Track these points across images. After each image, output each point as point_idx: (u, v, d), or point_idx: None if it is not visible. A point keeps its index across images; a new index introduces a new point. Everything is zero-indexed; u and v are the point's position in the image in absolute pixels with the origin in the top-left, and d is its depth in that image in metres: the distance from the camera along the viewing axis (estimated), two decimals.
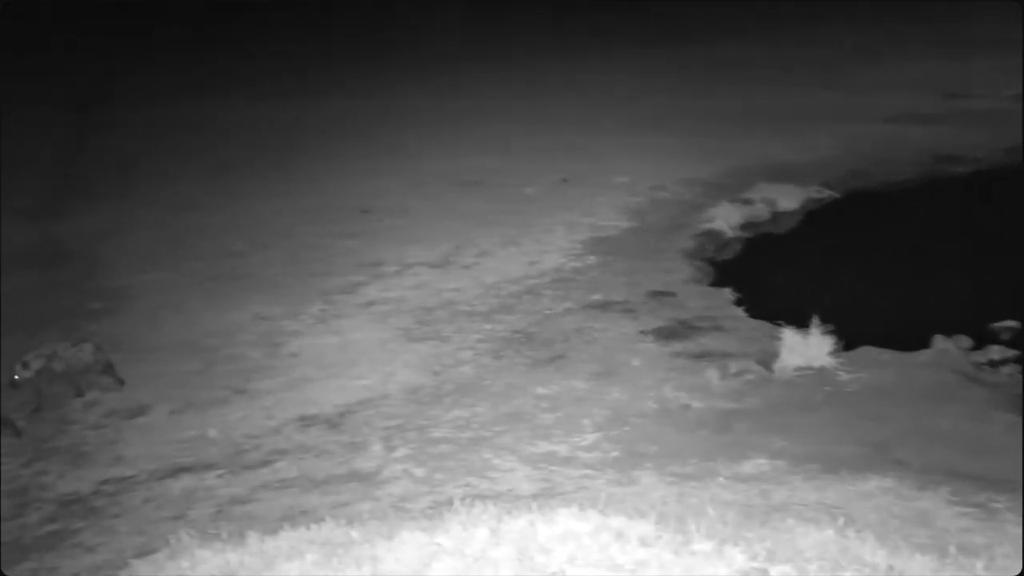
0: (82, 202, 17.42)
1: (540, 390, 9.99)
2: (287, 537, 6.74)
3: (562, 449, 8.83)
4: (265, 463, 8.89)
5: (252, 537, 6.74)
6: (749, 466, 8.32)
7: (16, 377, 9.86)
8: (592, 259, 13.75)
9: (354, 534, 6.73)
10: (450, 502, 7.40)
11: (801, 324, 10.39)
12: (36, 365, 9.95)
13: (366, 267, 13.77)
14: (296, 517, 7.58)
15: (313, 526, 6.95)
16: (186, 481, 8.65)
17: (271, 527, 7.13)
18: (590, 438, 9.01)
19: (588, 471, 8.40)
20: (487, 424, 9.36)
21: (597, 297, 12.37)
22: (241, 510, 8.07)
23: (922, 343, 10.67)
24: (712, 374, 10.05)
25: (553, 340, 11.18)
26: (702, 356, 10.60)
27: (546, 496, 7.68)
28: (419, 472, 8.58)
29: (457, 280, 13.11)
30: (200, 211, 16.56)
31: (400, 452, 8.95)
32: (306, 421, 9.65)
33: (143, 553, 7.16)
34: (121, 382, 10.45)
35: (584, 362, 10.57)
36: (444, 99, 24.86)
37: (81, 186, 18.52)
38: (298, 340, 11.54)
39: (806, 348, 10.20)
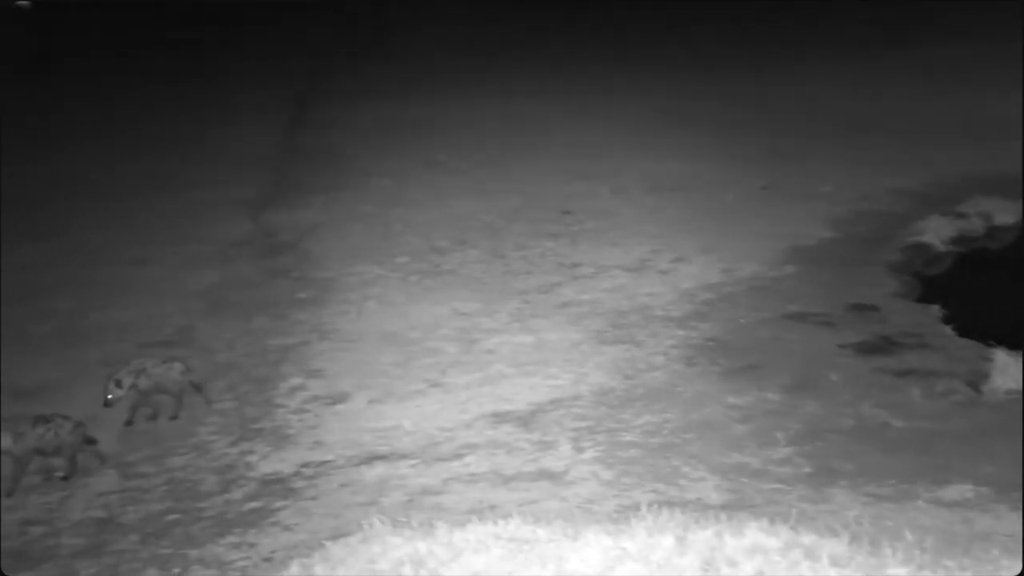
0: (297, 195, 18.17)
1: (732, 400, 9.84)
2: (474, 530, 6.86)
3: (753, 461, 8.67)
4: (457, 456, 9.07)
5: (441, 528, 6.89)
6: (952, 491, 7.97)
7: (109, 396, 9.84)
8: (791, 268, 13.44)
9: (540, 532, 6.80)
10: (637, 507, 7.38)
11: (1015, 345, 9.89)
12: (128, 382, 9.94)
13: (564, 268, 13.88)
14: (484, 511, 7.69)
15: (500, 521, 7.06)
16: (380, 469, 8.92)
17: (459, 519, 7.28)
18: (783, 452, 8.81)
19: (779, 485, 8.23)
20: (677, 431, 9.28)
21: (795, 308, 12.09)
22: (431, 500, 8.26)
23: None
24: (915, 393, 9.68)
25: (748, 349, 10.99)
26: (905, 373, 10.22)
27: (735, 508, 7.56)
28: (607, 475, 8.59)
29: (652, 285, 13.05)
30: (407, 207, 17.01)
31: (589, 454, 8.98)
32: (498, 417, 9.80)
33: (337, 536, 7.41)
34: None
35: (779, 373, 10.35)
36: (635, 101, 24.73)
37: (297, 180, 19.32)
38: (494, 337, 11.72)
39: (1019, 370, 9.70)
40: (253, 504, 8.51)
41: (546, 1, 41.49)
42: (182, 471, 9.16)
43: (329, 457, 9.22)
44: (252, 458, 9.31)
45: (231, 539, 7.98)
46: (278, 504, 8.47)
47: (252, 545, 7.88)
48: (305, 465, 9.11)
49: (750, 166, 18.22)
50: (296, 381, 10.81)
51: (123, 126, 24.65)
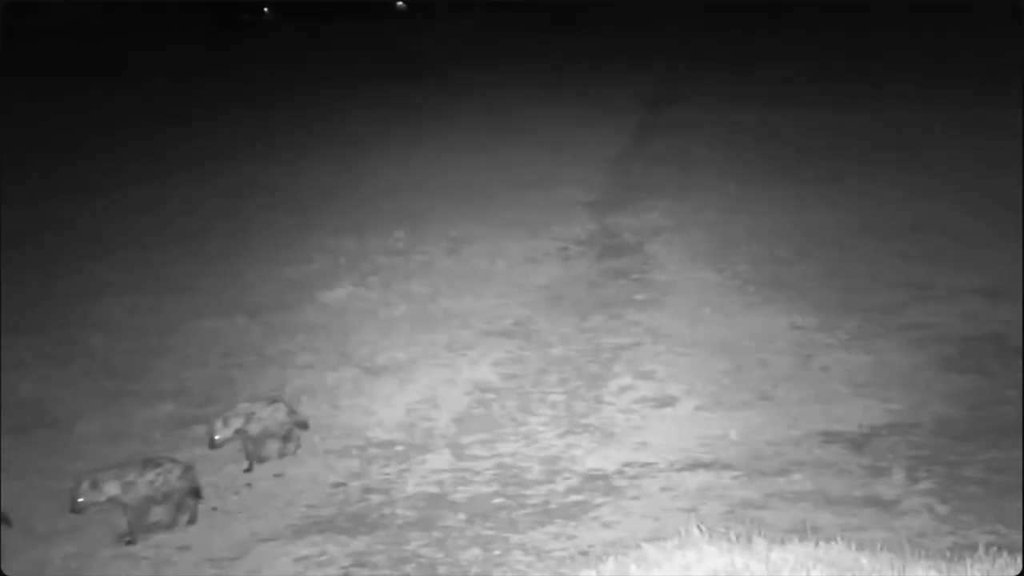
0: (642, 198, 18.36)
1: None
2: (794, 550, 6.68)
3: None
4: (782, 472, 8.84)
5: (759, 543, 6.75)
6: None
7: (217, 437, 9.42)
8: None
9: (864, 561, 6.52)
10: (974, 547, 6.93)
11: None
12: (235, 424, 9.51)
13: (911, 287, 13.19)
14: (806, 532, 7.45)
15: (822, 544, 6.83)
16: (703, 477, 8.85)
17: (779, 536, 7.10)
18: None
19: None
20: None
21: None
22: (752, 514, 8.10)
23: None
24: None
25: None
26: None
27: None
28: (942, 509, 8.08)
29: (1010, 312, 12.13)
30: (752, 215, 16.78)
31: (924, 485, 8.49)
32: (828, 437, 9.46)
33: (654, 538, 7.41)
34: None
35: None
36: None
37: (643, 182, 19.53)
38: (831, 354, 11.33)
39: None
40: (575, 497, 8.68)
41: None
42: (511, 458, 9.49)
43: (652, 459, 9.25)
44: (577, 452, 9.50)
45: (551, 529, 8.18)
46: (599, 500, 8.59)
47: (571, 537, 8.04)
48: (628, 464, 9.19)
49: None
50: (626, 381, 10.92)
51: (503, 127, 25.61)
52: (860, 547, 6.77)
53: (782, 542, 6.84)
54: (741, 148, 21.74)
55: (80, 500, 8.22)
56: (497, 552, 7.88)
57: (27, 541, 8.46)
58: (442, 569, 7.69)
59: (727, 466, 9.02)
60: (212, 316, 13.41)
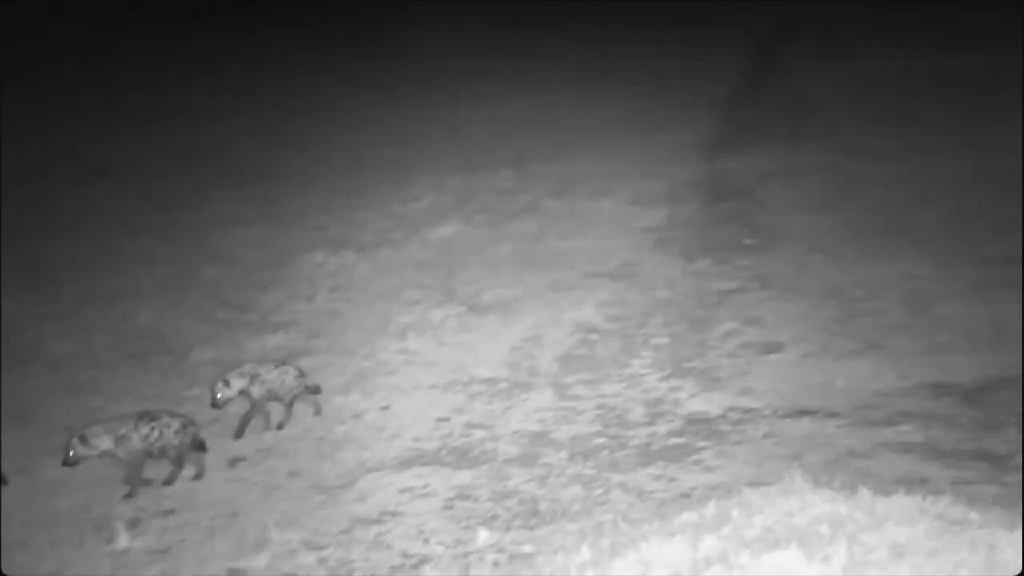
0: (753, 141, 18.02)
1: None
2: (899, 501, 6.56)
3: None
4: (889, 422, 8.70)
5: (864, 493, 6.65)
6: None
7: (218, 396, 9.13)
8: None
9: (973, 515, 6.38)
10: None
11: None
12: (238, 385, 9.17)
13: None
14: (913, 484, 7.34)
15: (930, 497, 6.69)
16: (808, 424, 8.76)
17: (885, 488, 6.97)
18: None
19: None
20: None
21: None
22: (857, 464, 8.00)
23: None
24: None
25: None
26: None
27: None
28: None
29: None
30: (869, 160, 16.33)
31: None
32: (940, 389, 9.26)
33: (756, 484, 7.38)
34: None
35: None
36: None
37: (754, 125, 19.15)
38: (945, 305, 11.03)
39: None
40: (677, 440, 8.68)
41: None
42: (613, 398, 9.51)
43: (757, 405, 9.18)
44: (680, 395, 9.47)
45: (653, 470, 8.20)
46: (701, 444, 8.58)
47: (672, 479, 8.06)
48: (732, 409, 9.13)
49: None
50: (732, 326, 10.82)
51: (611, 65, 25.32)
52: (970, 501, 6.63)
53: (888, 493, 6.73)
54: (857, 92, 21.12)
55: (71, 454, 8.21)
56: (598, 491, 7.94)
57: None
58: (543, 506, 7.78)
59: (833, 414, 8.90)
60: (322, 250, 13.64)
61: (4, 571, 6.24)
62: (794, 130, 18.47)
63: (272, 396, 9.28)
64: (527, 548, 7.11)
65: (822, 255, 12.62)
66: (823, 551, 5.50)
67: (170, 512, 8.04)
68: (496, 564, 6.90)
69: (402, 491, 8.07)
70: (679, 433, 8.79)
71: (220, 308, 12.03)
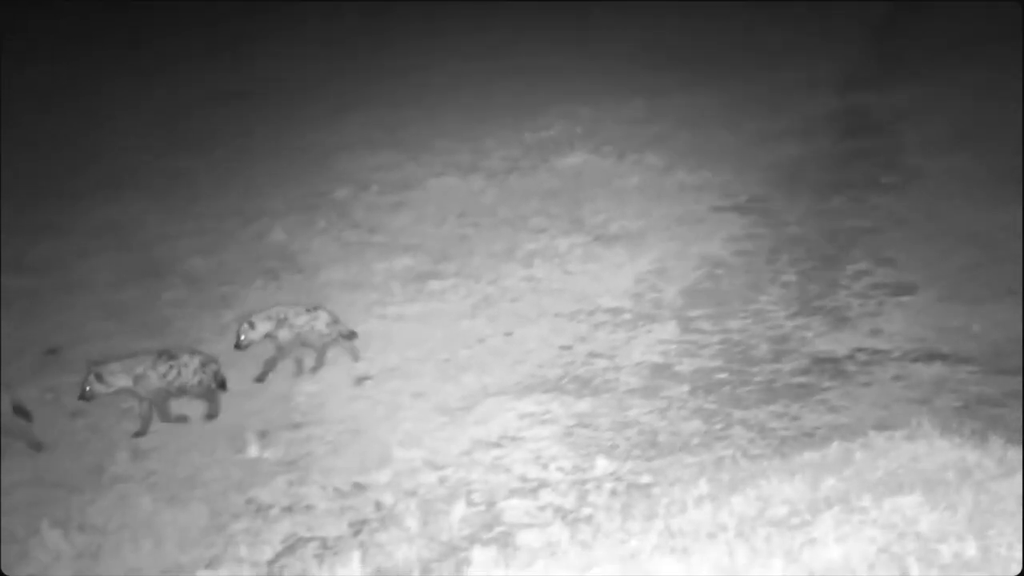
0: (891, 77, 17.41)
1: None
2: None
3: None
4: None
5: (995, 441, 6.49)
6: None
7: (242, 338, 8.84)
8: None
9: None
10: None
11: None
12: (263, 328, 8.91)
13: None
14: None
15: None
16: (938, 369, 8.54)
17: (1014, 436, 6.77)
18: None
19: None
20: None
21: None
22: (988, 411, 7.79)
23: None
24: None
25: None
26: None
27: None
28: None
29: None
30: (1006, 100, 15.61)
31: None
32: None
33: (882, 427, 7.25)
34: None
35: None
36: None
37: (893, 61, 18.49)
38: None
39: None
40: (802, 379, 8.57)
41: None
42: (738, 334, 9.42)
43: (886, 347, 8.99)
44: (807, 334, 9.33)
45: (775, 408, 8.13)
46: (827, 383, 8.46)
47: (795, 418, 7.98)
48: (860, 350, 8.96)
49: None
50: (863, 266, 10.58)
51: None
52: None
53: (1017, 442, 6.55)
54: (998, 30, 20.17)
55: (88, 389, 8.20)
56: (719, 426, 7.91)
57: (274, 376, 9.07)
58: (662, 437, 7.80)
59: (965, 359, 8.67)
60: (451, 175, 13.75)
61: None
62: (934, 68, 17.78)
63: (302, 341, 9.04)
64: (645, 478, 7.15)
65: (960, 196, 12.20)
66: (948, 498, 5.40)
67: (297, 426, 8.29)
68: (613, 493, 6.96)
69: (523, 416, 8.17)
70: (804, 372, 8.68)
71: (350, 229, 12.25)
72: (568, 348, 9.34)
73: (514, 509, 6.85)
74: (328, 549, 6.48)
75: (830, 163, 13.67)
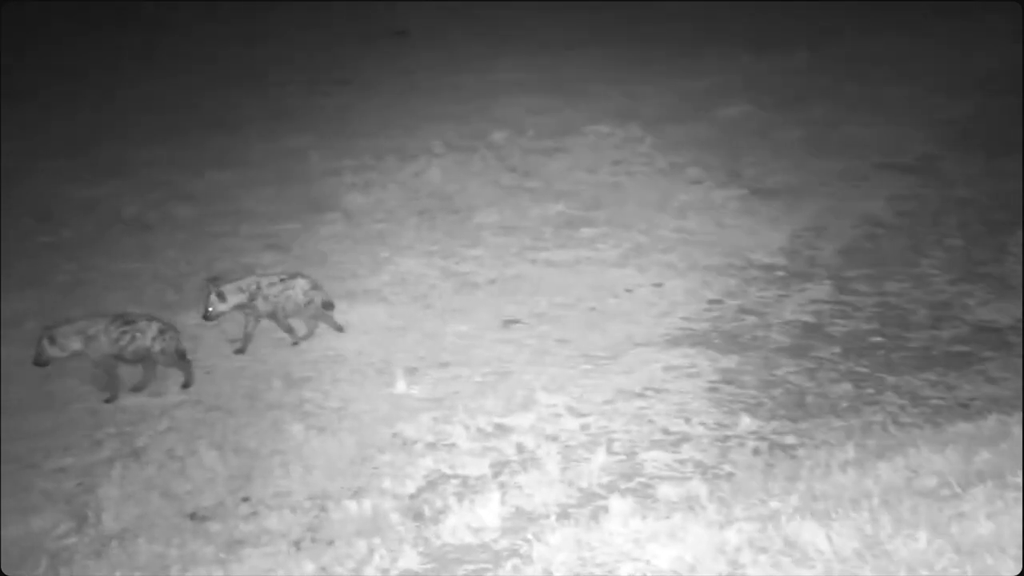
0: None
1: None
2: None
3: None
4: None
5: None
6: None
7: (210, 309, 8.42)
8: None
9: None
10: None
11: None
12: (233, 300, 8.46)
13: None
14: None
15: None
16: None
17: None
18: None
19: None
20: None
21: None
22: None
23: None
24: None
25: None
26: None
27: None
28: None
29: None
30: None
31: None
32: None
33: None
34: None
35: None
36: None
37: None
38: None
39: None
40: (961, 347, 8.29)
41: None
42: (896, 298, 9.15)
43: None
44: (970, 301, 9.01)
45: (929, 376, 7.88)
46: (987, 354, 8.16)
47: (951, 387, 7.72)
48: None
49: None
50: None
51: None
52: None
53: None
54: None
55: (42, 354, 7.98)
56: (870, 391, 7.71)
57: (425, 314, 9.23)
58: (810, 399, 7.65)
59: None
60: (607, 122, 13.65)
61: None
62: None
63: (280, 312, 8.69)
64: (789, 439, 7.04)
65: None
66: None
67: (445, 364, 8.41)
68: (756, 451, 6.88)
69: (667, 368, 8.12)
70: (964, 340, 8.38)
71: (506, 173, 12.30)
72: (718, 302, 9.22)
73: (654, 461, 6.83)
74: (468, 488, 6.58)
75: (1008, 122, 13.03)
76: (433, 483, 6.72)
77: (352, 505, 6.44)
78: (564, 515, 5.93)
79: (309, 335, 8.90)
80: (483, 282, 9.70)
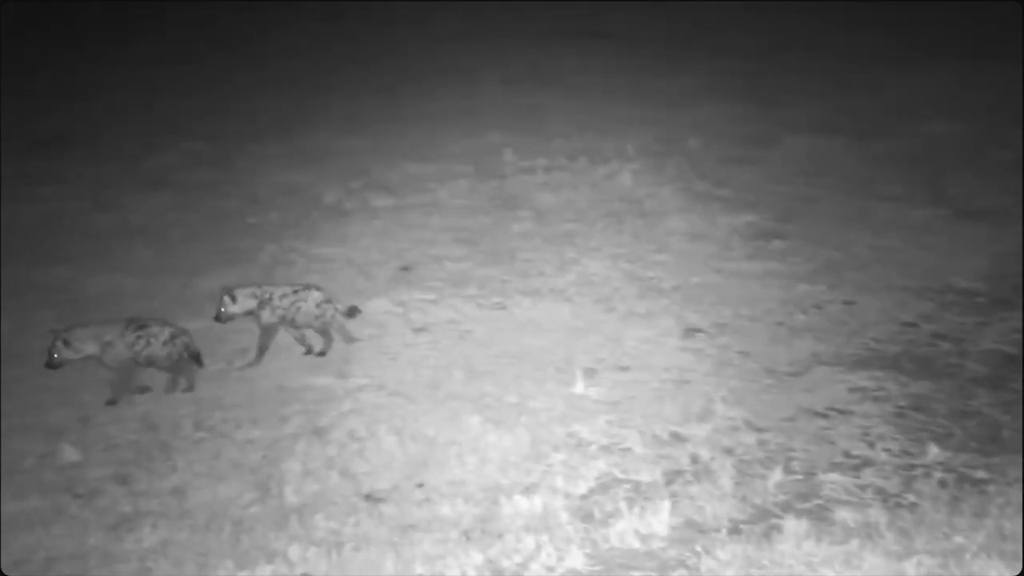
0: None
1: None
2: None
3: None
4: None
5: None
6: None
7: (222, 310, 8.33)
8: None
9: None
10: None
11: None
12: (244, 304, 8.25)
13: None
14: None
15: None
16: None
17: None
18: None
19: None
20: None
21: None
22: None
23: None
24: None
25: None
26: None
27: None
28: None
29: None
30: None
31: None
32: None
33: None
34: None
35: None
36: None
37: None
38: None
39: None
40: None
41: None
42: None
43: None
44: None
45: None
46: None
47: None
48: None
49: None
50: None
51: None
52: None
53: None
54: None
55: (56, 356, 7.92)
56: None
57: (608, 316, 9.22)
58: (1005, 433, 7.27)
59: None
60: (804, 133, 13.37)
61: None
62: None
63: (290, 323, 8.59)
64: (980, 473, 6.72)
65: None
66: None
67: (625, 368, 8.37)
68: (942, 483, 6.59)
69: (853, 390, 7.87)
70: None
71: (698, 180, 12.19)
72: (912, 325, 8.89)
73: (833, 484, 6.64)
74: (640, 494, 6.55)
75: None
76: (605, 486, 6.71)
77: (523, 501, 6.49)
78: (735, 530, 5.83)
79: (327, 347, 8.70)
80: (668, 288, 9.63)
